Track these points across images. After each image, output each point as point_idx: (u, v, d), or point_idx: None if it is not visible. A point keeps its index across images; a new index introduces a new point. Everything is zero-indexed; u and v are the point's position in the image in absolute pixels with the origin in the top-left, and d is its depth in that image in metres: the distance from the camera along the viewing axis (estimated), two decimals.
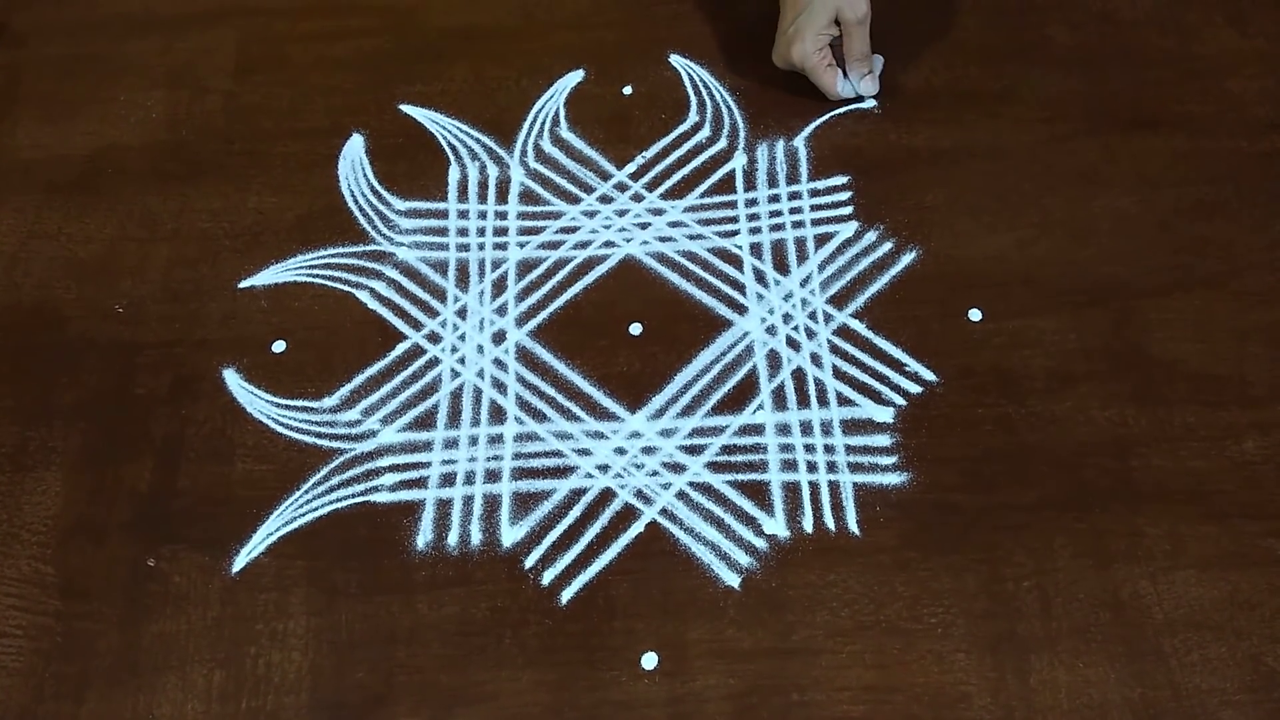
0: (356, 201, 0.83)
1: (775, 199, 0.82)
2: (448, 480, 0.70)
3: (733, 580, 0.66)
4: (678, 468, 0.70)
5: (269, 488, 0.70)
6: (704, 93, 0.88)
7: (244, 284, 0.79)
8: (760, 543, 0.67)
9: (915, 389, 0.72)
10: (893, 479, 0.69)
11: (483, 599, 0.66)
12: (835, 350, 0.74)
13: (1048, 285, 0.77)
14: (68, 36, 0.95)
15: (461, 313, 0.77)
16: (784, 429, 0.71)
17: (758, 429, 0.71)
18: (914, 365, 0.73)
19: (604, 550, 0.67)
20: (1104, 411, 0.71)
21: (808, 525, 0.67)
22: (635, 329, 0.76)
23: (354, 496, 0.70)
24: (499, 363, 0.75)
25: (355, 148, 0.86)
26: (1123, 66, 0.88)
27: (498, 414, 0.73)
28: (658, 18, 0.94)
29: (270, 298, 0.79)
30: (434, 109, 0.88)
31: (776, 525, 0.68)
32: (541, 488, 0.70)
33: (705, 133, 0.86)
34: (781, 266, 0.78)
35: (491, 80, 0.90)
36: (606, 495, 0.69)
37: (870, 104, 0.86)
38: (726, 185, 0.83)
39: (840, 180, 0.82)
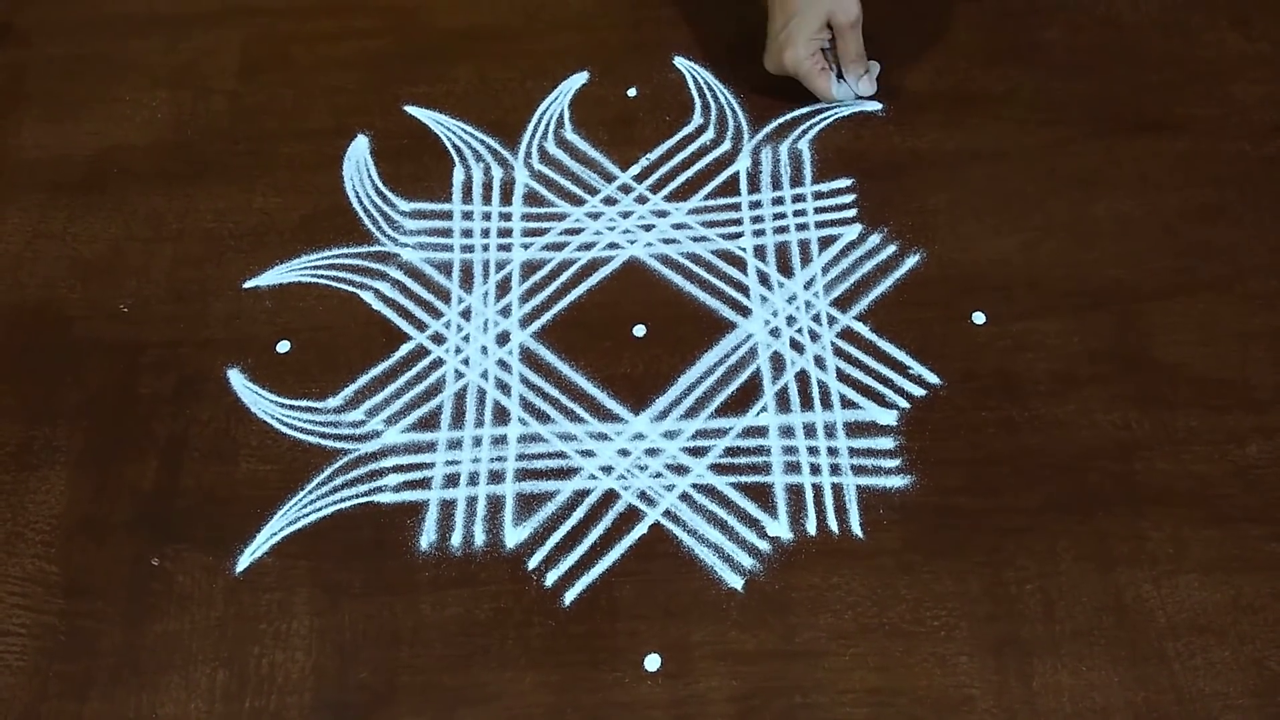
0: (361, 202, 0.83)
1: (779, 201, 0.82)
2: (451, 481, 0.70)
3: (736, 582, 0.66)
4: (681, 469, 0.70)
5: (273, 488, 0.70)
6: (708, 95, 0.88)
7: (248, 284, 0.79)
8: (763, 545, 0.67)
9: (919, 392, 0.72)
10: (896, 481, 0.69)
11: (486, 600, 0.66)
12: (839, 353, 0.74)
13: (1051, 288, 0.77)
14: (72, 36, 0.95)
15: (466, 314, 0.77)
16: (787, 431, 0.71)
17: (761, 431, 0.71)
18: (917, 368, 0.73)
19: (607, 552, 0.67)
20: (1107, 415, 0.71)
21: (811, 527, 0.68)
22: (639, 331, 0.76)
23: (358, 497, 0.70)
24: (503, 364, 0.75)
25: (360, 148, 0.86)
26: (1126, 70, 0.88)
27: (501, 415, 0.73)
28: (662, 20, 0.94)
29: (275, 298, 0.79)
30: (438, 110, 0.88)
31: (780, 527, 0.68)
32: (545, 489, 0.70)
33: (709, 135, 0.86)
34: (785, 269, 0.78)
35: (496, 81, 0.90)
36: (610, 497, 0.69)
37: (874, 106, 0.86)
38: (730, 187, 0.83)
39: (844, 183, 0.83)
